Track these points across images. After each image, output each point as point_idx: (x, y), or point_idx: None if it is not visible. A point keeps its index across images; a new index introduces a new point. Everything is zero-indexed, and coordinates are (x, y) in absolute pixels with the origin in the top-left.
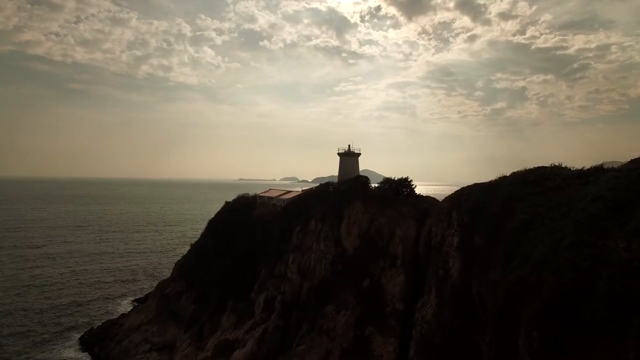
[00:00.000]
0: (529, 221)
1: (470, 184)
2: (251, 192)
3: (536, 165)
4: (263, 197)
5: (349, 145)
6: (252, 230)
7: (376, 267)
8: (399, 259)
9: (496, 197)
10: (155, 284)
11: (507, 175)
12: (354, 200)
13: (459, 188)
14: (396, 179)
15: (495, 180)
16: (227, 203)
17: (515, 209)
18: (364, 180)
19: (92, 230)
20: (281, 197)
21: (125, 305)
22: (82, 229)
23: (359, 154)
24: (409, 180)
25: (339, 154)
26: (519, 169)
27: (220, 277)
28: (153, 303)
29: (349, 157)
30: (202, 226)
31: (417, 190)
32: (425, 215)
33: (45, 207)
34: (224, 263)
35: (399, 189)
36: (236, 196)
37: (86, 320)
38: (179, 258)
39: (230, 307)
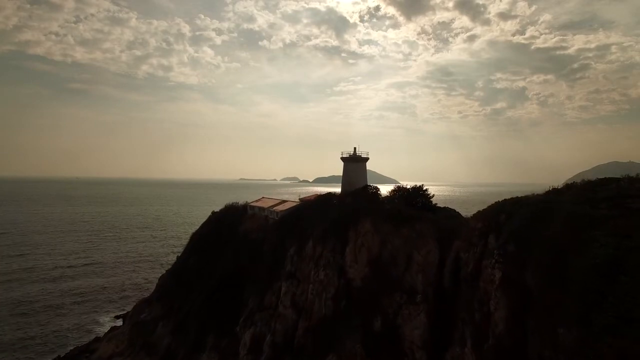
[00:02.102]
0: (616, 259)
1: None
2: (246, 198)
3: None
4: (254, 207)
5: (355, 149)
6: (239, 249)
7: (390, 303)
8: (418, 292)
9: (553, 219)
10: (143, 296)
11: (559, 187)
12: (361, 217)
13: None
14: (409, 186)
15: (545, 194)
16: (213, 213)
17: (587, 238)
18: (373, 190)
19: (84, 235)
20: (274, 208)
21: (105, 324)
22: (73, 234)
23: (366, 159)
24: (425, 188)
25: (342, 158)
26: (576, 181)
27: (201, 305)
28: (127, 329)
29: (354, 163)
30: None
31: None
32: (449, 235)
33: (40, 209)
34: (206, 287)
35: (412, 199)
36: (225, 206)
37: (59, 342)
38: (165, 270)
39: (211, 343)
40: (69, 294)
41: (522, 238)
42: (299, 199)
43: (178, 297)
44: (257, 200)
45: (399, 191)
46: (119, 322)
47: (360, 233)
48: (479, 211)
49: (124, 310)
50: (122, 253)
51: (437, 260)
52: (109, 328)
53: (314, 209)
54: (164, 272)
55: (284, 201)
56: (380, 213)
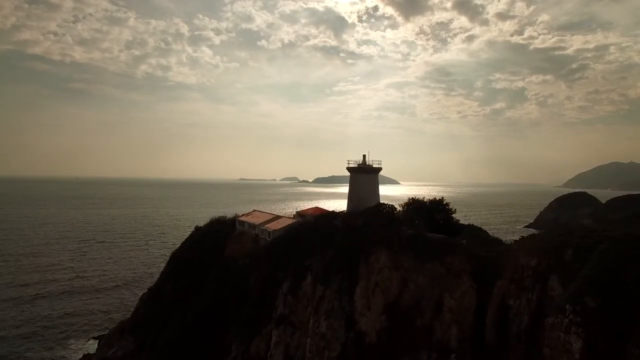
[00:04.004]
0: None
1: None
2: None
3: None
4: (243, 222)
5: (364, 156)
6: (222, 278)
7: None
8: (452, 350)
9: None
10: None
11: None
12: (375, 247)
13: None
14: (425, 199)
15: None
16: (196, 229)
17: None
18: (388, 210)
19: (74, 243)
20: (266, 225)
21: (82, 347)
22: (63, 241)
23: (378, 170)
24: (445, 202)
25: (349, 168)
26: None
27: (175, 346)
28: None
29: (364, 175)
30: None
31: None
32: (488, 271)
33: (33, 211)
34: (182, 323)
35: (431, 215)
36: (210, 220)
37: None
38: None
39: None
40: (45, 316)
41: (612, 289)
42: (296, 212)
43: (152, 330)
44: (247, 214)
45: (414, 205)
46: (95, 345)
47: (374, 269)
48: (523, 238)
49: (105, 330)
50: (111, 264)
51: (474, 305)
52: (81, 355)
53: (313, 231)
54: (149, 288)
55: (278, 217)
56: (399, 241)
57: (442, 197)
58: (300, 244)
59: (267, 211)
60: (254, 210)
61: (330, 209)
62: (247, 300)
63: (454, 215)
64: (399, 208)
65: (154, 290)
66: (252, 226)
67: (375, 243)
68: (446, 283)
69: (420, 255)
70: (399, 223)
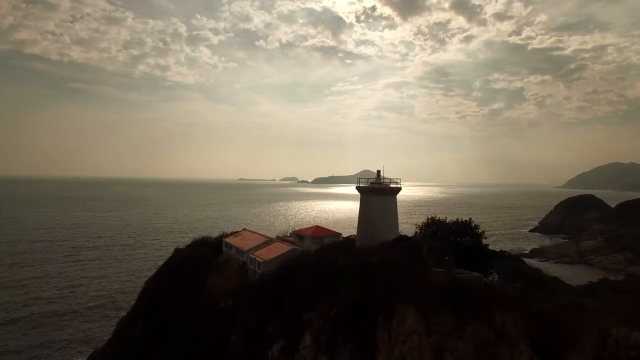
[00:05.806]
0: None
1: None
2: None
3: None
4: (230, 246)
5: (379, 172)
6: (199, 324)
7: None
8: None
9: None
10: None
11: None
12: (398, 302)
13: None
14: (448, 220)
15: None
16: (176, 252)
17: None
18: (413, 245)
19: (63, 250)
20: (256, 253)
21: None
22: (50, 249)
23: (398, 190)
24: (473, 224)
25: (359, 188)
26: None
27: None
28: None
29: (379, 198)
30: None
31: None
32: (551, 333)
33: (24, 213)
34: None
35: (456, 238)
36: (192, 241)
37: None
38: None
39: None
40: (18, 348)
41: None
42: (292, 232)
43: None
44: (235, 235)
45: (435, 228)
46: None
47: (399, 335)
48: (602, 286)
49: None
50: (99, 277)
51: None
52: None
53: (313, 269)
54: (128, 311)
55: (271, 240)
56: (431, 294)
57: (470, 219)
58: (297, 286)
59: (267, 215)
60: (244, 230)
61: (335, 231)
62: (229, 358)
63: (482, 236)
64: (416, 230)
65: (125, 323)
66: (240, 252)
67: (399, 295)
68: (497, 354)
69: (459, 312)
70: (426, 264)
